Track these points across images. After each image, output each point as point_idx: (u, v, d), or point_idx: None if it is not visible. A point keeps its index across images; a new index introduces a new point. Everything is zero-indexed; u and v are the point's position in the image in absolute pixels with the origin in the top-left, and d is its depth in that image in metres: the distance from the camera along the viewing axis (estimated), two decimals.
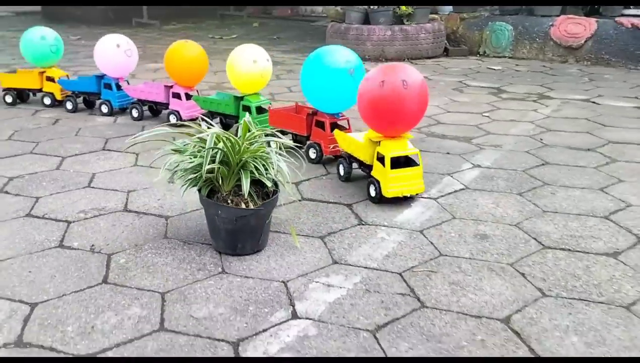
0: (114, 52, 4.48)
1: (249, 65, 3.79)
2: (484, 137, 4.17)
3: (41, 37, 4.76)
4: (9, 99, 5.09)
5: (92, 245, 2.52)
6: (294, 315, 2.02)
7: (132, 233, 2.64)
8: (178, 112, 4.34)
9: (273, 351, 1.83)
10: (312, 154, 3.55)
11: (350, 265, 2.36)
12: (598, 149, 3.89)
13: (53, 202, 3.00)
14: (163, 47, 8.93)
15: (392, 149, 2.85)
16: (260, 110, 3.94)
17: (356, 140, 3.07)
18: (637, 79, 6.32)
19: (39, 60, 4.85)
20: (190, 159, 2.31)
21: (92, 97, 4.84)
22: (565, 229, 2.67)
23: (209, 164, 2.25)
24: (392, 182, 2.83)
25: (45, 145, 3.95)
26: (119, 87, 4.68)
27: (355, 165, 3.19)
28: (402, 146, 2.87)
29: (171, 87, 4.37)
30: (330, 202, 3.01)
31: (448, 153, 3.79)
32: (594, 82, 6.21)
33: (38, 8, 14.80)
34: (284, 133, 3.56)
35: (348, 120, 3.50)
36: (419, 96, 2.74)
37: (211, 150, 2.26)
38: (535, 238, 2.58)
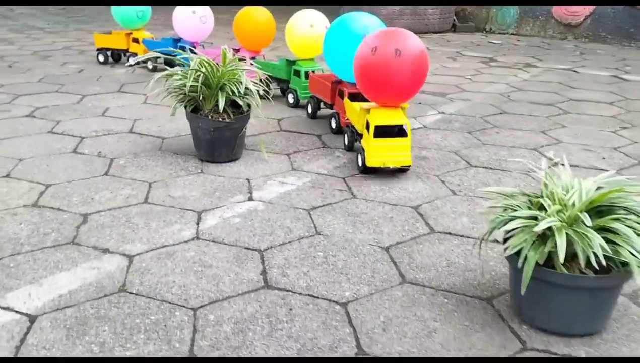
0: (189, 18, 4.65)
1: (306, 29, 3.79)
2: (458, 93, 4.62)
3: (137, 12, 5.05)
4: (101, 58, 5.44)
5: (99, 152, 3.09)
6: (250, 198, 2.55)
7: (133, 146, 3.20)
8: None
9: (226, 216, 2.36)
10: (333, 123, 3.44)
11: (305, 171, 2.88)
12: (557, 104, 4.31)
13: (71, 124, 3.57)
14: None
15: (380, 118, 2.71)
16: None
17: (355, 109, 2.92)
18: (626, 54, 6.65)
19: (126, 23, 5.12)
20: (179, 77, 2.85)
21: (170, 58, 4.75)
22: (494, 155, 3.14)
23: (191, 83, 2.78)
24: (375, 151, 2.69)
25: (69, 87, 4.54)
26: (192, 51, 4.53)
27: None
28: (393, 116, 2.72)
29: (238, 50, 4.32)
30: (304, 133, 3.52)
31: (420, 103, 4.25)
32: (584, 55, 6.57)
33: None
34: (319, 101, 3.66)
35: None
36: (413, 66, 2.59)
37: (194, 71, 2.80)
38: (465, 160, 3.06)
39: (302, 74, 3.88)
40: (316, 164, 2.99)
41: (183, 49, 4.68)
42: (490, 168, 2.96)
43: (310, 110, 3.76)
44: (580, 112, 4.09)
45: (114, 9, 5.06)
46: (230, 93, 2.86)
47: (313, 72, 3.85)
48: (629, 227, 1.55)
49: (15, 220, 2.28)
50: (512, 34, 8.14)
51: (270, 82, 3.57)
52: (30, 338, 1.59)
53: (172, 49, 4.48)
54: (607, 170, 2.06)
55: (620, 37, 7.24)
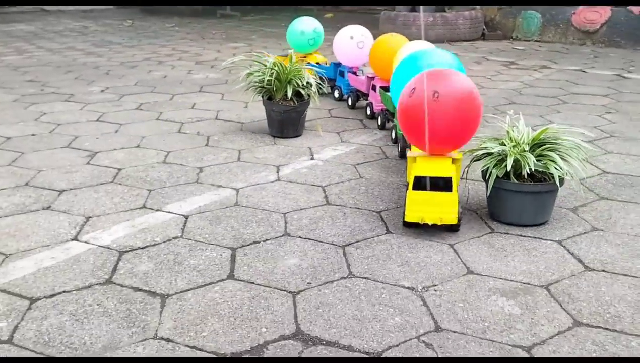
0: (347, 43, 4.71)
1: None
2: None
3: (301, 32, 5.17)
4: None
5: (198, 132, 4.17)
6: (312, 159, 3.58)
7: (221, 128, 4.27)
8: (372, 104, 4.39)
9: (297, 168, 3.39)
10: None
11: (351, 142, 3.90)
12: (559, 96, 5.22)
13: (170, 114, 4.68)
14: (241, 32, 10.76)
15: (422, 168, 2.48)
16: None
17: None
18: (635, 57, 7.46)
19: (300, 49, 5.21)
20: (258, 75, 3.91)
21: (330, 82, 5.07)
22: (486, 130, 4.10)
23: (267, 77, 3.84)
24: (413, 205, 2.44)
25: (159, 88, 5.68)
26: (354, 74, 4.79)
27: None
28: (437, 167, 2.47)
29: (373, 78, 4.38)
30: (348, 118, 4.55)
31: None
32: (597, 58, 7.42)
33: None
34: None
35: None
36: (455, 110, 2.35)
37: (269, 69, 3.86)
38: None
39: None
40: (359, 138, 4.00)
41: (342, 73, 4.92)
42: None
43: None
44: (577, 102, 5.00)
45: (289, 35, 5.25)
46: (296, 85, 3.90)
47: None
48: (556, 153, 2.51)
49: (155, 170, 3.36)
50: (536, 41, 9.01)
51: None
52: (189, 224, 2.65)
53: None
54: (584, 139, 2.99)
55: (633, 42, 8.04)
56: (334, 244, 2.45)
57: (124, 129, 4.24)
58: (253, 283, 2.14)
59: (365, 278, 2.18)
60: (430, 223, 2.46)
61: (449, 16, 8.98)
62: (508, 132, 2.68)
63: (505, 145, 2.61)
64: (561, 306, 1.99)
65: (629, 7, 8.03)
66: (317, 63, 5.11)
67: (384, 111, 4.10)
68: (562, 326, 1.88)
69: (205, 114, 4.68)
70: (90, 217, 2.72)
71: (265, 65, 3.91)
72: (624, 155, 3.62)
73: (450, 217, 2.44)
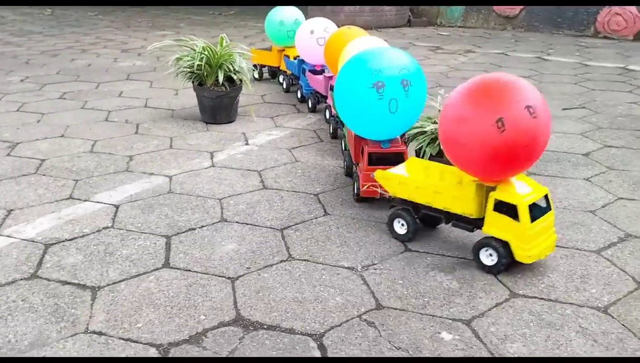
0: (307, 38, 4.09)
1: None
2: None
3: (279, 22, 4.65)
4: (256, 74, 5.14)
5: (126, 120, 4.02)
6: (246, 144, 3.52)
7: (151, 116, 4.13)
8: (329, 107, 3.73)
9: (231, 153, 3.33)
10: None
11: (286, 127, 3.86)
12: None
13: (96, 103, 4.48)
14: (168, 20, 10.48)
15: (523, 192, 2.01)
16: None
17: (433, 182, 2.19)
18: (553, 40, 7.75)
19: (278, 41, 4.77)
20: (187, 60, 3.80)
21: (295, 79, 4.68)
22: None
23: (197, 62, 3.74)
24: (533, 241, 2.00)
25: (84, 77, 5.44)
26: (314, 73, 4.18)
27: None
28: (533, 188, 2.06)
29: (331, 78, 3.63)
30: (282, 103, 4.50)
31: None
32: (518, 42, 7.66)
33: None
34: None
35: (405, 153, 2.53)
36: (548, 118, 1.95)
37: (199, 53, 3.75)
38: None
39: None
40: (293, 123, 3.97)
41: (304, 71, 4.35)
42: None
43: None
44: None
45: (267, 25, 4.77)
46: (227, 70, 3.82)
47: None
48: None
49: (82, 160, 3.22)
50: (460, 27, 9.22)
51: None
52: (119, 214, 2.54)
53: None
54: None
55: (550, 26, 8.36)
56: (272, 228, 2.42)
57: (47, 118, 4.04)
58: (190, 270, 2.08)
59: (305, 260, 2.16)
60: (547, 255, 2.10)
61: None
62: (440, 111, 2.71)
63: (437, 123, 2.64)
64: (497, 278, 2.03)
65: None
66: (296, 58, 4.54)
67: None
68: (500, 298, 1.92)
69: (133, 102, 4.52)
70: (12, 210, 2.57)
71: (195, 50, 3.80)
72: None
73: (554, 238, 2.12)
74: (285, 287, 1.98)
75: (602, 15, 7.91)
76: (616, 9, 7.74)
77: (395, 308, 1.86)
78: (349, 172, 2.94)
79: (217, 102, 3.85)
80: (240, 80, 3.92)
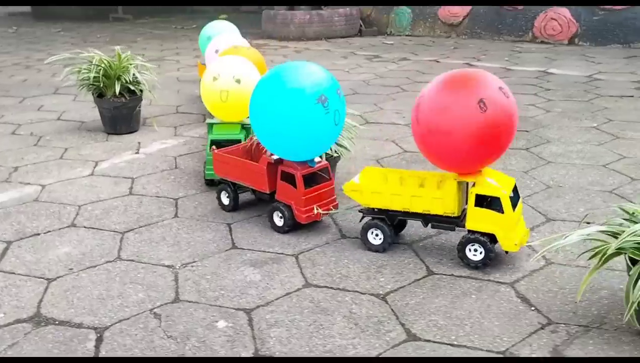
0: (212, 58, 3.93)
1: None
2: None
3: (207, 38, 4.63)
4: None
5: (31, 132, 4.14)
6: (136, 153, 3.64)
7: (58, 128, 4.25)
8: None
9: (115, 162, 3.45)
10: (279, 220, 2.48)
11: (183, 136, 3.99)
12: (402, 85, 5.50)
13: (12, 117, 4.61)
14: (127, 35, 10.63)
15: (499, 185, 2.09)
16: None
17: (411, 188, 2.25)
18: (490, 46, 7.92)
19: None
20: (84, 72, 3.93)
21: None
22: None
23: (94, 74, 3.87)
24: (516, 229, 2.10)
25: (13, 91, 5.57)
26: None
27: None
28: (503, 181, 2.13)
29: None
30: (189, 113, 4.63)
31: None
32: (456, 49, 7.82)
33: (28, 8, 16.41)
34: (237, 186, 2.69)
35: (329, 167, 2.53)
36: (514, 99, 2.06)
37: (95, 66, 3.89)
38: None
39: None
40: (193, 131, 4.10)
41: None
42: None
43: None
44: (416, 90, 5.28)
45: (200, 42, 4.80)
46: (124, 82, 3.95)
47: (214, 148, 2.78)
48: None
49: None
50: (407, 35, 9.39)
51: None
52: None
53: None
54: (399, 123, 3.19)
55: (492, 32, 8.53)
56: (115, 231, 2.54)
57: None
58: (14, 273, 2.19)
59: (131, 260, 2.28)
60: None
61: (325, 14, 9.22)
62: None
63: None
64: (301, 271, 2.16)
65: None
66: None
67: None
68: (292, 288, 2.04)
69: (49, 115, 4.65)
70: None
71: (91, 63, 3.94)
72: None
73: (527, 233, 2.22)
74: (96, 285, 2.10)
75: (539, 21, 8.09)
76: (551, 14, 7.92)
77: (190, 301, 1.98)
78: (235, 206, 2.71)
79: (116, 112, 3.98)
80: (141, 91, 4.05)
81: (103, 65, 3.92)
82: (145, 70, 4.13)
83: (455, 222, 2.18)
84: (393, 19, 9.59)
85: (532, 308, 1.88)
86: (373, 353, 1.68)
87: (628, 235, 1.60)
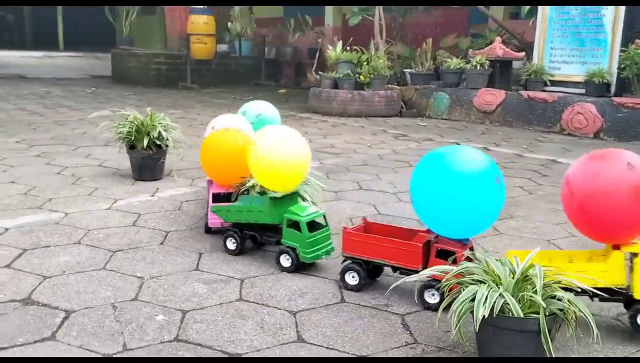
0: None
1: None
2: (350, 153, 6.35)
3: (243, 112, 4.33)
4: None
5: (73, 174, 4.87)
6: (152, 195, 4.27)
7: (96, 172, 4.97)
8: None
9: (132, 200, 4.08)
10: (431, 297, 2.51)
11: (197, 186, 4.61)
12: (412, 161, 6.00)
13: (63, 160, 5.39)
14: (187, 100, 11.68)
15: None
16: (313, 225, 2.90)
17: (584, 263, 2.34)
18: (517, 134, 8.33)
19: None
20: (119, 128, 4.66)
21: None
22: (335, 184, 4.82)
23: (127, 129, 4.59)
24: None
25: (70, 141, 6.42)
26: None
27: None
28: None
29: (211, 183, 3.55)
30: None
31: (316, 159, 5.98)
32: (484, 135, 8.27)
33: (109, 72, 18.11)
34: (368, 264, 2.67)
35: (472, 247, 2.62)
36: None
37: (129, 123, 4.61)
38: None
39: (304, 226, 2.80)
40: (205, 181, 4.72)
41: None
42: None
43: None
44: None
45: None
46: (153, 137, 4.65)
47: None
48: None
49: (11, 198, 4.03)
50: (444, 119, 9.93)
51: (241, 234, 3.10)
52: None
53: None
54: (388, 191, 3.71)
55: (522, 122, 8.95)
56: (109, 250, 3.12)
57: (11, 169, 4.94)
58: (21, 270, 2.79)
59: (112, 270, 2.84)
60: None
61: (365, 94, 9.92)
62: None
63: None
64: (240, 290, 2.64)
65: (519, 92, 8.99)
66: None
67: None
68: (226, 300, 2.53)
69: (92, 162, 5.40)
70: None
71: (127, 120, 4.67)
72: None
73: None
74: (78, 284, 2.66)
75: (567, 114, 8.47)
76: (578, 108, 8.30)
77: (144, 301, 2.50)
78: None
79: (143, 162, 4.66)
80: (167, 146, 4.73)
81: (136, 122, 4.64)
82: (173, 129, 4.83)
83: (622, 294, 2.28)
84: (432, 103, 10.18)
85: (408, 332, 2.29)
86: (263, 346, 2.13)
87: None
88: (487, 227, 2.57)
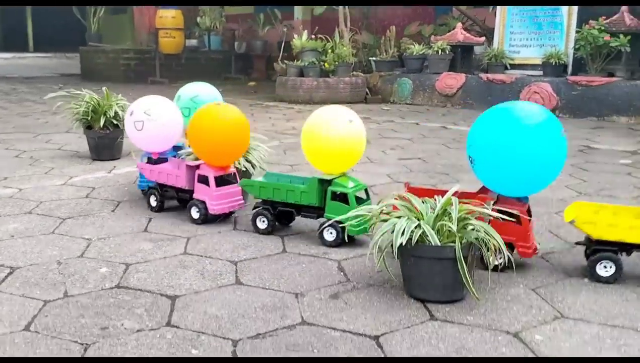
0: (127, 120, 3.51)
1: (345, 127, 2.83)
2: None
3: (177, 96, 4.10)
4: None
5: (31, 156, 4.89)
6: (109, 173, 4.32)
7: (55, 155, 5.00)
8: (204, 203, 3.03)
9: (88, 177, 4.13)
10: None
11: None
12: (372, 140, 6.11)
13: (21, 146, 5.40)
14: (152, 92, 11.63)
15: None
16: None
17: (633, 219, 2.34)
18: (475, 115, 8.45)
19: None
20: (77, 107, 4.70)
21: None
22: (293, 158, 4.91)
23: (84, 109, 4.63)
24: None
25: (32, 130, 6.41)
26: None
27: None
28: None
29: (197, 167, 3.14)
30: None
31: (277, 139, 6.07)
32: (444, 116, 8.43)
33: (78, 70, 17.97)
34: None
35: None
36: None
37: (86, 103, 4.66)
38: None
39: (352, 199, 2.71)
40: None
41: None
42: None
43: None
44: (381, 144, 5.89)
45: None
46: (109, 116, 4.70)
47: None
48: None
49: None
50: (408, 103, 10.09)
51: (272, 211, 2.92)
52: None
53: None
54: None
55: (482, 103, 9.12)
56: (59, 217, 3.17)
57: None
58: None
59: (61, 234, 2.89)
60: None
61: (331, 81, 10.03)
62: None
63: None
64: (185, 246, 2.72)
65: (479, 75, 9.18)
66: None
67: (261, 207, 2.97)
68: (170, 254, 2.61)
69: (52, 146, 5.42)
70: None
71: (83, 100, 4.71)
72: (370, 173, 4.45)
73: None
74: (25, 246, 2.72)
75: (524, 93, 8.67)
76: (534, 88, 8.51)
77: (89, 258, 2.57)
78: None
79: (99, 141, 4.71)
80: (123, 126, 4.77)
81: (92, 102, 4.68)
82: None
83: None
84: (396, 89, 10.33)
85: (342, 273, 2.40)
86: (201, 289, 2.22)
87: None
88: (550, 182, 2.39)
